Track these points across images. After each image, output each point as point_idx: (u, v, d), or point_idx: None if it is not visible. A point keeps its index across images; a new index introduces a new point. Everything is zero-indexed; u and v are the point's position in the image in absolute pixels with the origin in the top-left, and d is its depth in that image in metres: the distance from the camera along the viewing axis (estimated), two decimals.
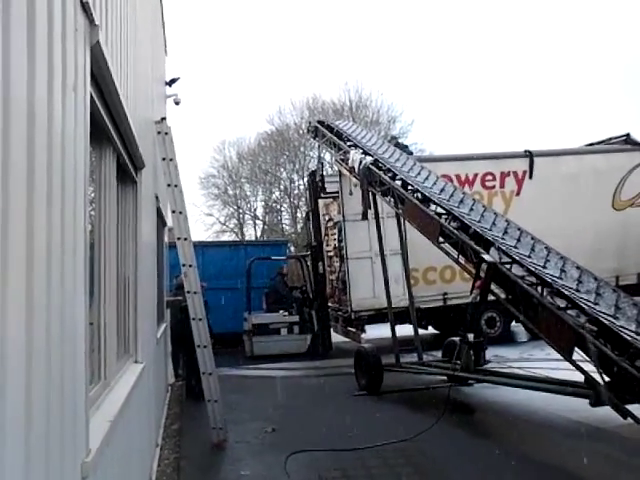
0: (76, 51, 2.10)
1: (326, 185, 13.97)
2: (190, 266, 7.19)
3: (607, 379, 5.44)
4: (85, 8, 2.18)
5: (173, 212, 7.25)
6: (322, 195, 14.24)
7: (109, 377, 3.59)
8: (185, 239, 7.20)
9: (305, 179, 35.14)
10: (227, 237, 36.65)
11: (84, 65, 2.26)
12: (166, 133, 7.12)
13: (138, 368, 4.63)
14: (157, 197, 7.43)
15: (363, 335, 13.20)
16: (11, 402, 1.39)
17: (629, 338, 5.30)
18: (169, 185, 7.14)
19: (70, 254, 2.09)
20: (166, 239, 10.67)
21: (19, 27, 1.48)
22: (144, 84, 5.78)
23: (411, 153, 14.42)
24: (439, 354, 10.43)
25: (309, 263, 15.22)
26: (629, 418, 5.26)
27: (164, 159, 7.10)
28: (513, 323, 13.81)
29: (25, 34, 1.54)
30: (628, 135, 14.99)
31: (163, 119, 7.37)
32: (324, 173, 14.35)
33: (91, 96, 2.53)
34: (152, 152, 6.70)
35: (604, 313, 5.69)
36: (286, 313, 14.12)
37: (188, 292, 7.24)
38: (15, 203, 1.45)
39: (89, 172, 2.61)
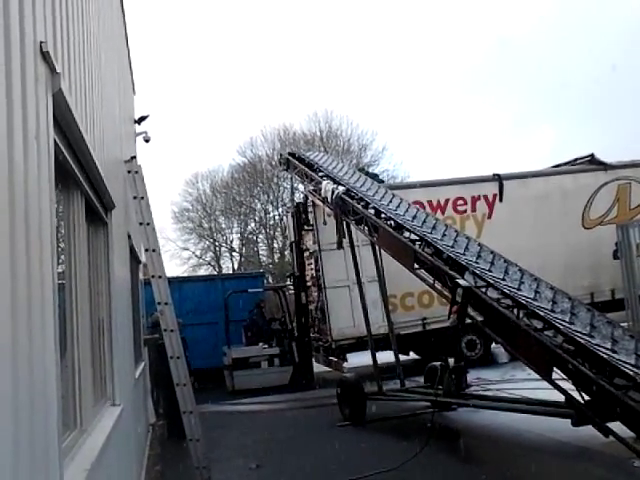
0: (37, 100, 2.10)
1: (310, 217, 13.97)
2: (166, 304, 7.12)
3: (587, 398, 5.48)
4: (45, 57, 2.18)
5: (146, 250, 7.20)
6: (305, 227, 14.23)
7: (85, 423, 3.51)
8: (160, 277, 7.14)
9: (280, 209, 35.38)
10: (204, 271, 36.49)
11: (46, 113, 2.25)
12: (136, 172, 7.10)
13: (116, 411, 4.54)
14: (129, 235, 7.38)
15: (345, 364, 13.14)
16: None
17: (605, 356, 5.35)
18: (141, 223, 7.10)
19: (38, 305, 2.06)
20: (141, 276, 10.56)
21: None
22: (111, 125, 5.79)
23: (382, 181, 14.57)
24: (421, 379, 10.41)
25: (288, 294, 15.17)
26: (611, 436, 5.29)
27: (135, 197, 7.07)
28: (493, 345, 13.86)
29: None
30: (592, 155, 15.36)
31: (133, 158, 7.36)
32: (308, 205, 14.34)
33: (55, 142, 2.52)
34: (122, 191, 6.67)
35: (580, 332, 5.75)
36: (266, 345, 14.00)
37: (165, 330, 7.14)
38: None
39: (56, 218, 2.59)
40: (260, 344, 13.95)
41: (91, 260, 4.29)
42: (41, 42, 2.15)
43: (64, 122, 2.68)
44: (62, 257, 3.38)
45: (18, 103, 1.83)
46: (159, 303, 7.09)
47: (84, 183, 3.59)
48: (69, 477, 2.51)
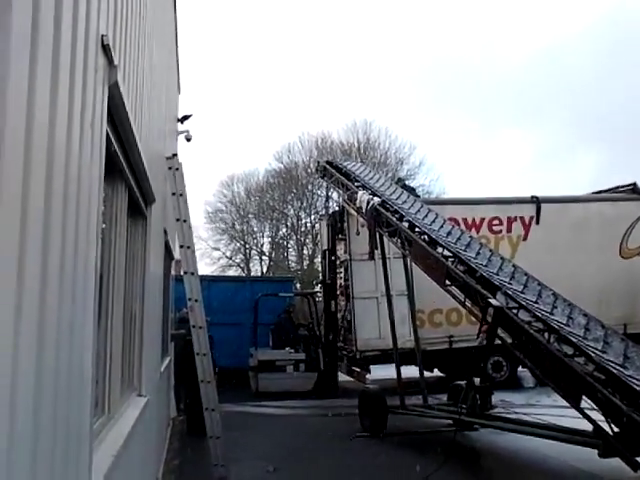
0: (95, 90, 2.16)
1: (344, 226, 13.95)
2: (196, 300, 7.19)
3: (616, 429, 5.35)
4: (106, 50, 2.25)
5: (181, 247, 7.29)
6: (340, 236, 14.24)
7: (113, 410, 3.57)
8: (192, 273, 7.22)
9: (312, 217, 35.47)
10: (233, 272, 36.74)
11: (102, 103, 2.32)
12: (177, 169, 7.21)
13: (142, 402, 4.60)
14: (165, 231, 7.49)
15: (368, 375, 13.07)
16: (19, 435, 1.39)
17: (638, 388, 5.23)
18: (178, 220, 7.20)
19: (80, 287, 2.11)
20: (173, 272, 10.69)
21: (44, 66, 1.53)
22: (157, 121, 5.90)
23: (418, 196, 14.50)
24: (444, 397, 10.29)
25: (317, 300, 15.16)
26: (639, 470, 5.16)
27: (174, 194, 7.17)
28: (520, 368, 13.64)
29: (49, 72, 1.60)
30: (635, 184, 15.07)
31: (174, 155, 7.48)
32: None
33: (107, 133, 2.59)
34: (162, 187, 6.78)
35: (612, 362, 5.63)
36: (292, 350, 14.01)
37: (193, 326, 7.21)
38: (32, 235, 1.48)
39: (102, 206, 2.65)
40: (287, 348, 13.96)
41: (128, 252, 4.36)
42: (102, 35, 2.22)
43: (116, 113, 2.75)
44: (102, 246, 3.45)
45: (79, 92, 1.89)
46: (190, 299, 7.17)
47: (129, 175, 3.67)
48: (97, 460, 2.56)
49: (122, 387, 4.10)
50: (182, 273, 7.34)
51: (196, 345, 7.17)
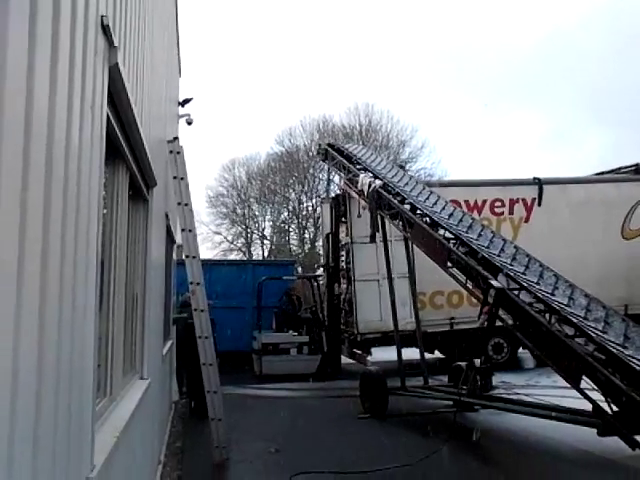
0: (95, 71, 2.15)
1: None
2: (198, 284, 7.22)
3: (615, 409, 5.39)
4: (106, 31, 2.24)
5: (183, 230, 7.30)
6: (343, 219, 14.24)
7: (115, 392, 3.60)
8: (194, 257, 7.24)
9: (314, 200, 35.43)
10: (234, 256, 36.78)
11: (102, 85, 2.31)
12: (178, 152, 7.20)
13: (144, 384, 4.64)
14: (167, 215, 7.49)
15: (369, 357, 13.14)
16: (21, 415, 1.41)
17: (638, 368, 5.25)
18: (179, 203, 7.20)
19: (82, 270, 2.12)
20: (174, 256, 10.71)
21: (43, 47, 1.52)
22: (158, 104, 5.87)
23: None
24: (445, 379, 10.36)
25: (321, 283, 15.20)
26: (638, 449, 5.20)
27: (175, 178, 7.17)
28: (520, 349, 13.70)
29: (49, 53, 1.59)
30: (638, 165, 15.00)
31: (175, 139, 7.46)
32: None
33: (107, 115, 2.58)
34: (164, 170, 6.77)
35: (613, 342, 5.66)
36: (295, 333, 14.07)
37: (195, 310, 7.25)
38: (32, 217, 1.48)
39: (102, 189, 2.65)
40: (290, 331, 14.02)
41: (130, 235, 4.37)
42: (102, 16, 2.20)
43: (117, 96, 2.74)
44: (104, 229, 3.45)
45: (79, 74, 1.88)
46: (191, 283, 7.19)
47: (130, 158, 3.66)
48: (100, 441, 2.58)
49: (124, 370, 4.13)
50: (184, 257, 7.36)
51: (198, 328, 7.21)
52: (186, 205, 7.21)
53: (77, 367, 2.09)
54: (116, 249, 3.66)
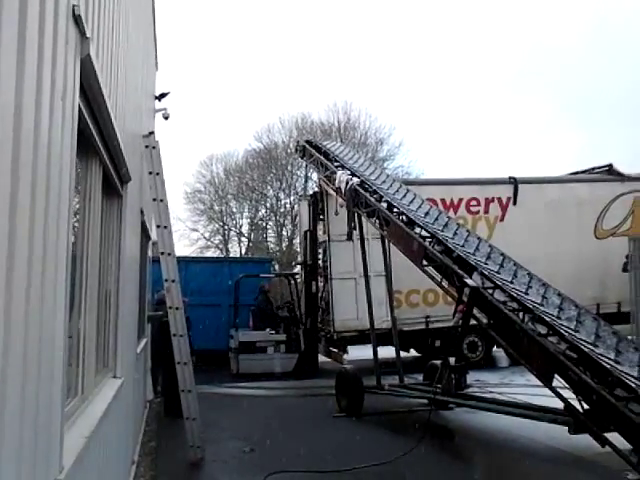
0: (66, 62, 2.10)
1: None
2: (173, 281, 7.14)
3: (586, 407, 5.46)
4: (77, 21, 2.18)
5: (158, 227, 7.22)
6: (321, 217, 14.22)
7: (87, 391, 3.54)
8: (169, 254, 7.16)
9: (292, 198, 35.34)
10: (211, 253, 36.48)
11: (74, 76, 2.25)
12: (154, 147, 7.11)
13: (117, 383, 4.57)
14: (142, 211, 7.40)
15: (345, 356, 13.16)
16: None
17: (608, 366, 5.33)
18: (155, 199, 7.12)
19: (52, 267, 2.06)
20: (150, 253, 10.60)
21: (9, 34, 1.47)
22: (133, 97, 5.78)
23: None
24: (420, 377, 10.41)
25: (299, 281, 15.17)
26: (607, 446, 5.27)
27: (151, 173, 7.08)
28: (494, 348, 13.84)
29: (15, 41, 1.54)
30: (611, 165, 15.25)
31: (151, 133, 7.37)
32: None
33: (79, 108, 2.52)
34: (139, 165, 6.68)
35: (584, 341, 5.72)
36: (273, 331, 14.03)
37: (170, 307, 7.17)
38: None
39: (74, 183, 2.59)
40: (267, 329, 13.98)
41: (103, 231, 4.30)
42: (74, 5, 2.15)
43: (89, 88, 2.68)
44: (76, 225, 3.39)
45: (48, 64, 1.83)
46: (166, 280, 7.12)
47: (103, 152, 3.59)
48: (69, 442, 2.53)
49: (97, 368, 4.07)
50: (159, 254, 7.28)
51: (173, 326, 7.14)
52: (161, 201, 7.12)
53: (46, 367, 2.04)
54: (89, 245, 3.59)
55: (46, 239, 1.96)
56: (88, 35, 2.33)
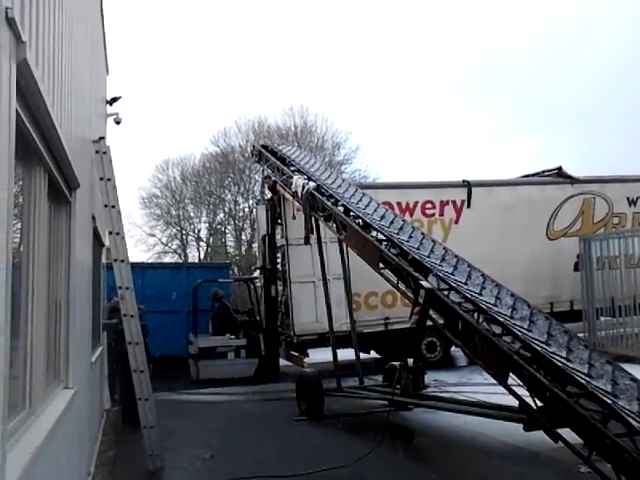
0: (0, 67, 2.03)
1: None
2: (127, 288, 7.02)
3: (540, 404, 5.56)
4: (11, 24, 2.12)
5: (110, 233, 7.09)
6: (279, 221, 14.16)
7: (34, 404, 3.44)
8: (122, 261, 7.04)
9: (250, 202, 35.17)
10: (170, 258, 36.00)
11: (9, 80, 2.18)
12: (104, 152, 6.98)
13: (69, 394, 4.47)
14: (94, 217, 7.25)
15: (306, 359, 13.14)
16: None
17: (560, 364, 5.44)
18: (106, 206, 6.99)
19: None
20: (104, 260, 10.39)
21: None
22: (81, 102, 5.66)
23: None
24: (381, 378, 10.47)
25: (258, 285, 15.08)
26: (560, 441, 5.39)
27: (102, 179, 6.95)
28: (453, 348, 14.02)
29: None
30: (560, 168, 15.66)
31: (101, 138, 7.23)
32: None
33: (18, 113, 2.44)
34: (89, 171, 6.55)
35: (537, 340, 5.84)
36: (233, 336, 13.91)
37: (125, 315, 7.06)
38: None
39: (14, 192, 2.51)
40: (227, 335, 13.84)
41: (51, 239, 4.20)
42: (7, 8, 2.08)
43: (28, 93, 2.61)
44: (17, 236, 3.29)
45: None
46: (120, 287, 7.00)
47: (47, 159, 3.50)
48: (13, 459, 2.45)
49: (47, 380, 3.97)
50: (112, 260, 7.14)
51: (128, 334, 7.03)
52: (113, 207, 7.00)
53: None
54: (35, 253, 3.48)
55: None
56: (24, 39, 2.26)
